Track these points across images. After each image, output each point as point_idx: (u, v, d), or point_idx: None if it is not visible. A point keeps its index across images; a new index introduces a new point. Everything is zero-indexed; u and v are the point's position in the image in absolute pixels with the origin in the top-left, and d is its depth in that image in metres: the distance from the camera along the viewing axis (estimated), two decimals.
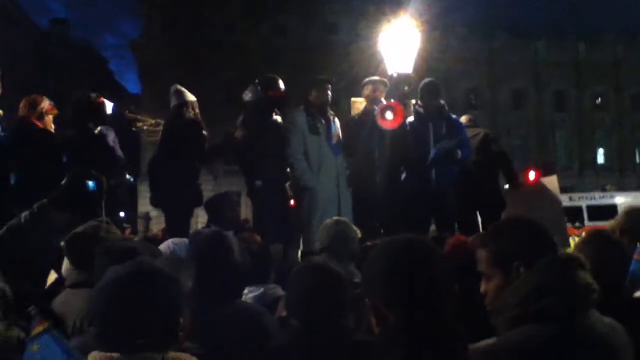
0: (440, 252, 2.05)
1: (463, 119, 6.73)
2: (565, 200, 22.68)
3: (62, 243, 3.17)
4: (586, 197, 23.70)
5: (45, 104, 5.40)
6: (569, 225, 12.33)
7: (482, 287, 2.09)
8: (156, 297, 1.68)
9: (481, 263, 2.08)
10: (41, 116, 5.34)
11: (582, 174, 45.06)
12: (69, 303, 2.80)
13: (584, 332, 1.90)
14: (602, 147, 47.53)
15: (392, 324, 1.80)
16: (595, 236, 3.04)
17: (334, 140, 5.98)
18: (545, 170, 7.99)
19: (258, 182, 5.71)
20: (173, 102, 5.94)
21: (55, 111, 5.49)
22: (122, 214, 5.31)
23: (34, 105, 5.33)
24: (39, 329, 1.77)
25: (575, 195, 24.03)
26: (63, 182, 4.86)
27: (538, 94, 46.29)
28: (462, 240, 3.46)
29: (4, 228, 3.51)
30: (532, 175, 7.45)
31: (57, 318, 2.66)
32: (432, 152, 5.90)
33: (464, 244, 3.33)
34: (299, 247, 5.82)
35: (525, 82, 45.85)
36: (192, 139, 5.76)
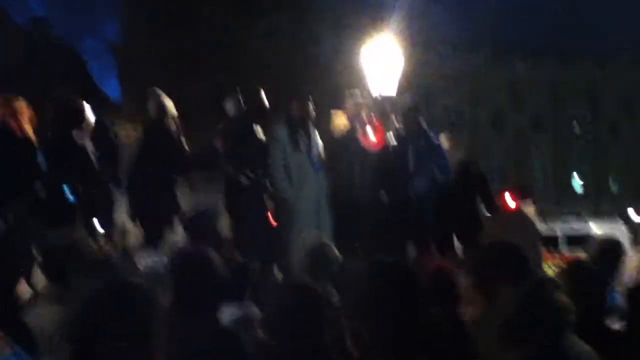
0: (420, 277, 2.07)
1: (442, 138, 6.76)
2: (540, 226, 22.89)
3: (36, 254, 3.12)
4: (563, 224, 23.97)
5: (24, 108, 5.29)
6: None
7: (465, 311, 2.12)
8: (132, 313, 1.65)
9: (463, 288, 2.11)
10: (21, 120, 5.22)
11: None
12: (43, 317, 2.74)
13: (561, 354, 1.93)
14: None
15: (370, 346, 1.82)
16: (574, 265, 3.07)
17: (315, 156, 5.98)
18: (522, 192, 8.06)
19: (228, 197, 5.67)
20: (152, 113, 5.87)
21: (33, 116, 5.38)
22: (97, 223, 5.21)
23: (14, 110, 5.21)
24: None
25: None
26: (40, 190, 4.78)
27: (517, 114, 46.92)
28: (442, 265, 3.49)
29: None
30: (508, 197, 7.53)
31: (27, 331, 2.59)
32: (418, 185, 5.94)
33: (444, 269, 3.34)
34: (276, 263, 5.78)
35: (505, 100, 46.46)
36: (168, 153, 5.71)
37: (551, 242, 20.12)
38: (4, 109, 5.17)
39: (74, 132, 5.44)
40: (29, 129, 5.29)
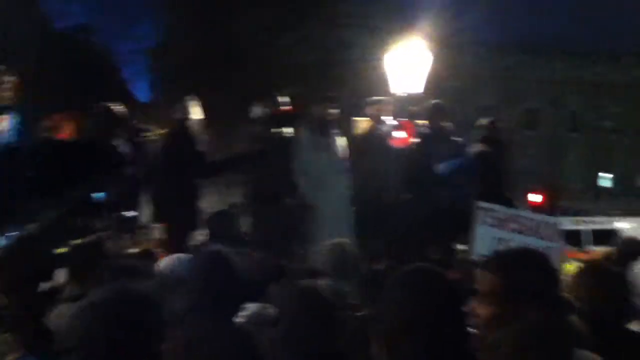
0: (455, 282, 2.02)
1: (484, 122, 6.64)
2: (569, 223, 22.59)
3: (63, 252, 3.19)
4: (592, 222, 23.59)
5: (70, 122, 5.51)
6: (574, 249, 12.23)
7: (477, 309, 2.05)
8: (134, 324, 1.67)
9: (486, 287, 2.01)
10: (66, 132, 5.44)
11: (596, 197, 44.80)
12: (65, 318, 2.79)
13: None
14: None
15: (405, 353, 1.80)
16: (595, 267, 3.03)
17: (339, 158, 5.98)
18: (552, 192, 7.92)
19: (252, 199, 5.71)
20: (178, 114, 5.96)
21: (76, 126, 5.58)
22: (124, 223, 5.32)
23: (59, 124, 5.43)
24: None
25: (581, 219, 23.97)
26: (76, 192, 4.91)
27: (553, 113, 46.25)
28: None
29: (17, 237, 3.53)
30: (538, 197, 7.39)
31: (49, 334, 2.65)
32: (442, 168, 5.87)
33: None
34: (300, 265, 5.80)
35: (540, 100, 45.86)
36: (190, 158, 5.77)
37: (575, 238, 19.95)
38: (51, 124, 5.38)
39: (112, 137, 5.61)
40: (68, 137, 5.50)
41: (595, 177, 45.79)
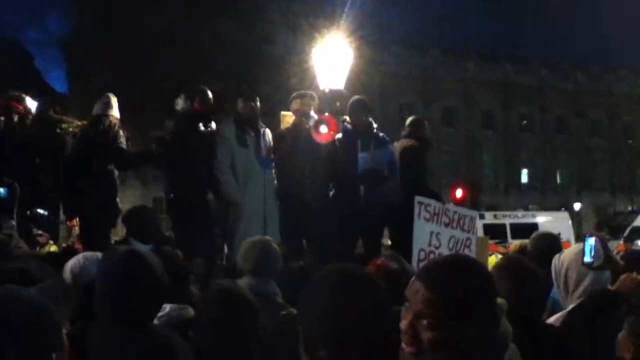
0: (378, 283, 1.92)
1: (409, 120, 6.71)
2: (490, 218, 23.64)
3: None
4: (510, 216, 24.71)
5: None
6: (492, 242, 12.67)
7: (411, 325, 1.91)
8: (18, 330, 1.52)
9: (429, 307, 1.76)
10: None
11: (507, 193, 46.83)
12: None
13: None
14: (526, 167, 49.60)
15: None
16: (512, 263, 3.09)
17: (264, 154, 5.90)
18: (472, 187, 8.13)
19: (171, 195, 5.58)
20: (96, 109, 5.74)
21: None
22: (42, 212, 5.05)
23: None
24: None
25: (500, 214, 25.08)
26: None
27: (468, 112, 47.90)
28: (389, 265, 3.43)
29: None
30: (459, 192, 7.57)
31: None
32: (360, 163, 5.90)
33: (394, 271, 3.33)
34: (222, 263, 5.69)
35: (456, 100, 47.38)
36: (107, 150, 5.58)
37: (500, 233, 20.91)
38: None
39: (17, 127, 5.33)
40: None
41: (510, 173, 47.89)
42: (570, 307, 2.98)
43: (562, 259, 3.14)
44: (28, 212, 5.23)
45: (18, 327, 1.52)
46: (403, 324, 1.80)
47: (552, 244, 4.08)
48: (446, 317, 1.71)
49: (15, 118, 5.43)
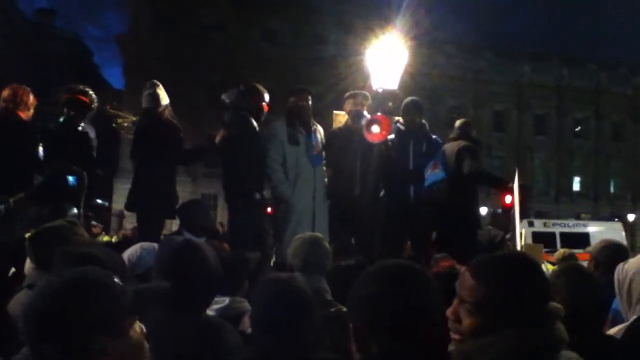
0: (431, 279, 1.92)
1: (459, 122, 6.65)
2: (539, 225, 23.06)
3: (26, 238, 3.07)
4: (560, 224, 24.08)
5: (30, 97, 5.35)
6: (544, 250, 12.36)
7: (455, 312, 1.92)
8: (85, 312, 1.55)
9: (470, 294, 1.80)
10: (26, 108, 5.28)
11: (558, 201, 45.67)
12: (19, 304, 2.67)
13: None
14: (578, 174, 48.25)
15: (374, 352, 1.73)
16: (569, 268, 3.02)
17: (315, 152, 5.91)
18: (521, 193, 7.94)
19: (257, 195, 5.60)
20: (145, 102, 5.80)
21: (35, 102, 5.43)
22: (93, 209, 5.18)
23: (20, 98, 5.25)
24: None
25: (550, 222, 24.46)
26: (42, 176, 4.75)
27: (520, 116, 46.93)
28: (453, 266, 3.41)
29: None
30: (508, 198, 7.39)
31: (7, 319, 2.53)
32: (428, 181, 5.85)
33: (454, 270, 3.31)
34: (272, 258, 5.73)
35: (508, 103, 46.48)
36: (167, 142, 5.65)
37: (548, 240, 20.37)
38: (8, 98, 5.21)
39: (80, 121, 5.49)
40: (30, 117, 5.34)
41: (560, 180, 46.65)
42: (633, 318, 2.88)
43: (627, 269, 2.99)
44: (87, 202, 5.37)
45: (81, 310, 1.56)
46: (449, 310, 1.84)
47: (619, 252, 3.94)
48: (486, 307, 1.73)
49: (81, 112, 5.57)
